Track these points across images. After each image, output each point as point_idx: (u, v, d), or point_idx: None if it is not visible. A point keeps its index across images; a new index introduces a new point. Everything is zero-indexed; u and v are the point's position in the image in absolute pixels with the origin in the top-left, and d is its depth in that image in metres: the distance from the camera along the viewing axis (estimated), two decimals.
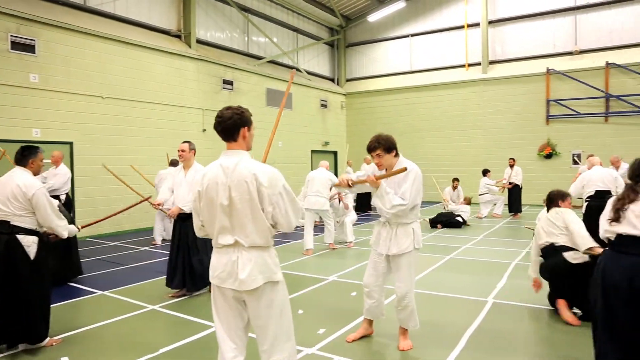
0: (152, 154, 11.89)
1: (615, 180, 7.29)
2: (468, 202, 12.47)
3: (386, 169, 3.96)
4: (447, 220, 11.39)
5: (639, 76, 14.82)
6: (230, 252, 2.60)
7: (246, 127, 2.70)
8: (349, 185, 3.81)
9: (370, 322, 4.21)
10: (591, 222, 6.44)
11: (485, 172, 13.44)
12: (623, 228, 2.94)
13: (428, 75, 18.58)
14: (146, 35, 12.19)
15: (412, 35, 19.06)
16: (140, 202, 6.40)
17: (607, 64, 15.27)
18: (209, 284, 5.65)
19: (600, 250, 4.15)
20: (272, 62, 16.82)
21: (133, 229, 11.47)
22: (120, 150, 11.24)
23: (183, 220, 5.65)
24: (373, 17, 19.07)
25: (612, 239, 3.03)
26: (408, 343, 4.03)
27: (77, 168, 10.43)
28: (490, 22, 17.42)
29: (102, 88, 10.90)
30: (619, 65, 15.11)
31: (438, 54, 18.54)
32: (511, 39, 17.29)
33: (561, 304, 4.64)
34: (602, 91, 15.35)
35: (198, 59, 13.35)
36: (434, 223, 11.46)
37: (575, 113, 15.79)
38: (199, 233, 2.84)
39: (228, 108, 2.69)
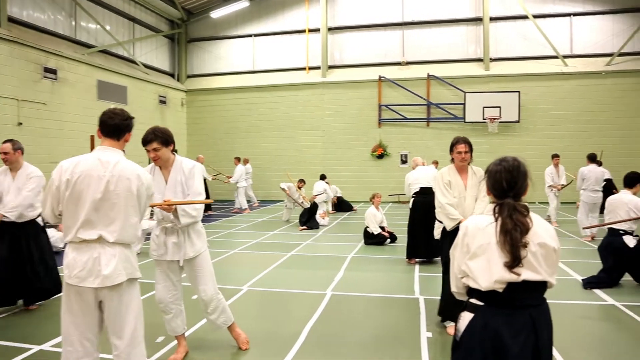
0: None
1: (434, 179, 8.15)
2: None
3: (161, 166, 3.67)
4: (308, 220, 11.16)
5: (453, 88, 16.93)
6: (92, 248, 2.58)
7: (130, 134, 2.89)
8: None
9: (183, 336, 3.85)
10: (416, 215, 7.26)
11: (323, 177, 14.01)
12: (526, 273, 2.02)
13: (270, 76, 18.83)
14: None
15: (255, 35, 19.14)
16: None
17: (428, 75, 17.15)
18: (54, 293, 5.06)
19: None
20: (104, 51, 15.45)
21: None
22: None
23: (19, 229, 4.94)
24: (216, 14, 18.72)
25: (501, 290, 2.04)
26: (243, 336, 3.97)
27: None
28: (329, 29, 18.31)
29: None
30: (437, 78, 17.06)
31: (280, 56, 18.90)
32: (348, 46, 18.40)
33: None
34: (424, 99, 17.19)
35: (11, 40, 11.62)
36: (302, 223, 11.13)
37: (402, 118, 17.40)
38: (51, 220, 2.76)
39: (122, 110, 2.88)
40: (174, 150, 3.73)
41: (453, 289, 2.29)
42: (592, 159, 9.51)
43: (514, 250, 1.98)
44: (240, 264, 7.32)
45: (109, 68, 15.04)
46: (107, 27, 15.51)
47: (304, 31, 18.54)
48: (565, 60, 16.53)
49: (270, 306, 5.16)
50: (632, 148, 15.89)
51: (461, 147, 4.31)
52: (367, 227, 8.88)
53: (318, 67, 18.31)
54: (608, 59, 16.30)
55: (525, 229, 2.01)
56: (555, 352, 3.81)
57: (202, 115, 19.28)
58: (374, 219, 8.85)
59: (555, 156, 11.17)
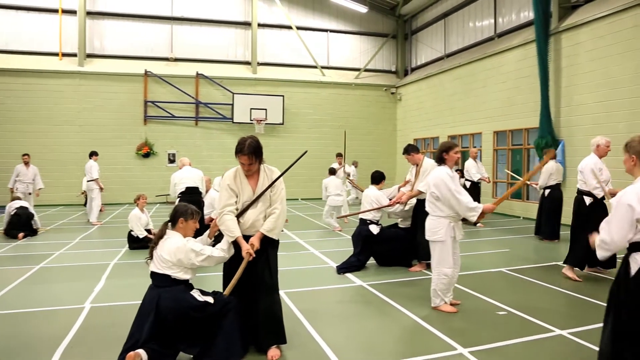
0: None
1: (202, 180, 8.27)
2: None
3: None
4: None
5: (222, 88, 17.14)
6: None
7: None
8: None
9: None
10: None
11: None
12: (152, 266, 3.63)
13: (12, 59, 15.92)
14: None
15: None
16: None
17: (198, 74, 16.99)
18: None
19: None
20: None
21: None
22: None
23: None
24: None
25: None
26: None
27: None
28: (88, 13, 16.54)
29: None
30: (207, 77, 17.04)
31: (26, 36, 16.21)
32: (111, 35, 16.95)
33: None
34: (193, 97, 16.96)
35: None
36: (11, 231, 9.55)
37: (170, 115, 16.84)
38: None
39: None
40: None
41: None
42: (332, 172, 10.95)
43: (150, 252, 3.66)
44: None
45: None
46: None
47: (56, 11, 16.32)
48: (323, 70, 18.41)
49: (12, 331, 4.30)
50: (377, 150, 18.76)
51: (244, 159, 3.63)
52: (132, 230, 8.30)
53: (74, 55, 16.34)
54: (357, 73, 18.81)
55: (156, 240, 3.68)
56: (314, 334, 4.13)
57: None
58: (138, 221, 8.30)
59: (338, 155, 12.45)
